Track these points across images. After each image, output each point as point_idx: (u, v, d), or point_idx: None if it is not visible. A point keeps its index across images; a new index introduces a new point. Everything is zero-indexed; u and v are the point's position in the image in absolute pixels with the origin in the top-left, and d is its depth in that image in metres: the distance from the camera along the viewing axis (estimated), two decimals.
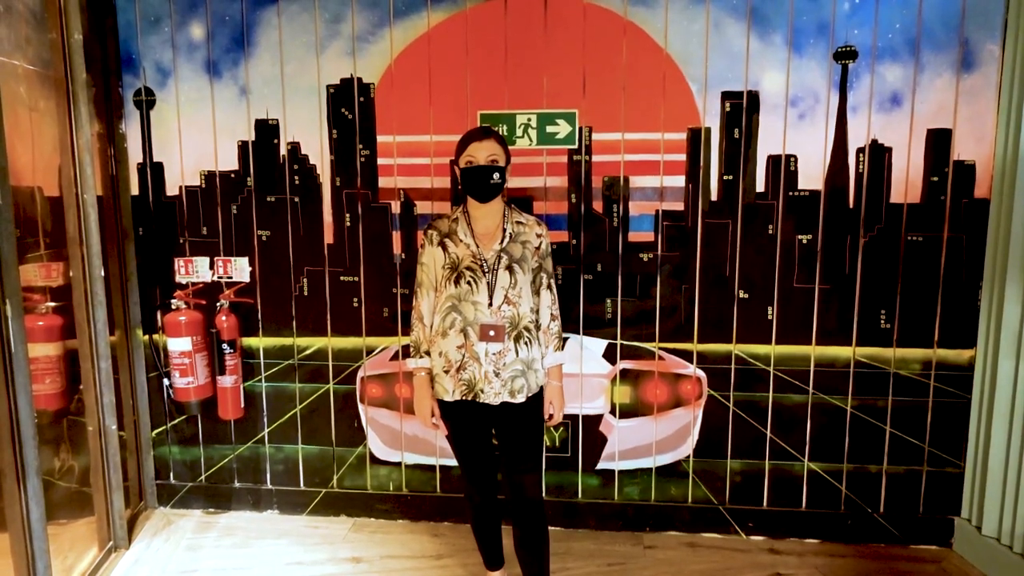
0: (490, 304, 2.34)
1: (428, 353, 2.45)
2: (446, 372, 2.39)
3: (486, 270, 2.35)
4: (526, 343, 2.38)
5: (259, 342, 3.31)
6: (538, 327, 2.45)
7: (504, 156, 2.37)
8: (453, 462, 3.27)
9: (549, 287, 2.49)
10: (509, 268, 2.37)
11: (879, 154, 2.88)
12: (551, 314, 2.49)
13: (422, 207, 3.15)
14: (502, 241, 2.39)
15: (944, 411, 3.02)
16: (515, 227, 2.44)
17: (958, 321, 2.95)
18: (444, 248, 2.40)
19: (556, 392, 2.51)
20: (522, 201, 3.07)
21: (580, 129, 3.00)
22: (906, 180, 2.88)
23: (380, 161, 3.13)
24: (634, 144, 2.98)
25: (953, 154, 2.85)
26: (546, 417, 2.51)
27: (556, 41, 2.96)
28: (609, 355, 3.16)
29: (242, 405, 3.30)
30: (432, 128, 3.08)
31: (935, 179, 2.87)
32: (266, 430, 3.38)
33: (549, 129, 3.01)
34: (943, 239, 2.91)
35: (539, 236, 2.46)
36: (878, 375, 3.03)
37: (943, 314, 2.96)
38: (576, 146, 3.02)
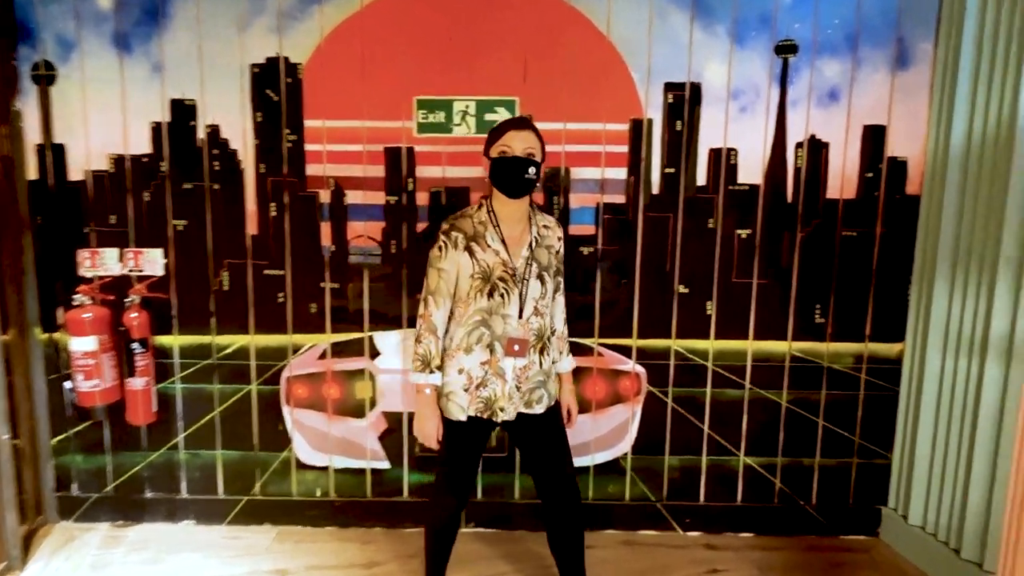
0: (520, 316, 2.19)
1: (439, 368, 2.24)
2: (464, 390, 2.23)
3: (517, 280, 2.18)
4: (546, 353, 2.28)
5: (174, 340, 3.07)
6: (554, 333, 2.34)
7: (541, 151, 2.19)
8: (384, 465, 3.14)
9: (561, 291, 2.37)
10: (540, 277, 2.21)
11: (817, 149, 2.90)
12: (564, 318, 2.39)
13: (353, 196, 2.98)
14: (530, 246, 2.22)
15: (874, 404, 3.08)
16: (541, 231, 2.28)
17: (889, 315, 3.02)
18: (471, 253, 2.18)
19: (573, 395, 2.44)
20: (460, 191, 2.96)
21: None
22: (842, 175, 2.91)
23: (308, 147, 2.95)
24: (575, 134, 2.91)
25: (887, 150, 2.90)
26: (567, 421, 2.41)
27: (497, 25, 2.85)
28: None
29: (154, 409, 3.05)
30: (365, 113, 2.91)
31: (870, 175, 2.91)
32: (181, 435, 3.14)
33: (488, 117, 2.90)
34: (876, 235, 2.96)
35: (559, 239, 2.33)
36: (812, 369, 3.06)
37: (875, 309, 3.01)
38: None
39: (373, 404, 3.12)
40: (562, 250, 2.34)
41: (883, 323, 3.02)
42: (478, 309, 2.18)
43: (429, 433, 2.25)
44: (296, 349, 3.09)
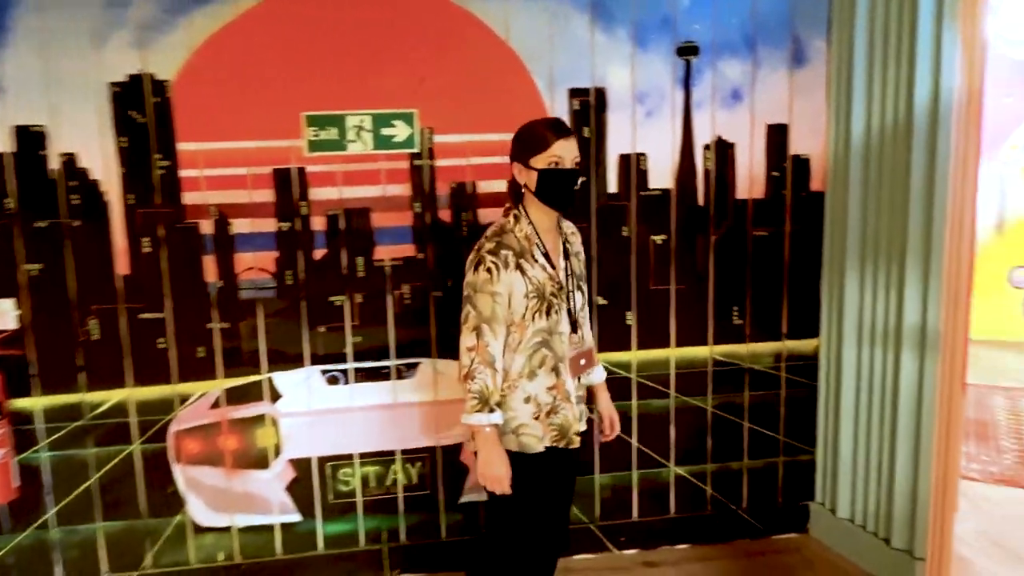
0: (573, 331, 2.07)
1: (499, 405, 2.00)
2: (535, 418, 2.04)
3: (564, 295, 2.04)
4: None
5: (34, 403, 2.66)
6: None
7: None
8: (294, 518, 2.85)
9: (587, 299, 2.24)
10: (579, 288, 2.10)
11: (723, 150, 2.89)
12: (589, 326, 2.24)
13: (239, 225, 2.70)
14: (565, 257, 2.09)
15: (795, 401, 3.10)
16: (569, 238, 2.15)
17: (803, 312, 3.04)
18: (522, 271, 1.98)
19: (611, 403, 2.31)
20: (360, 213, 2.74)
21: (421, 131, 2.72)
22: (749, 175, 2.91)
23: (183, 173, 2.64)
24: (481, 146, 2.75)
25: (791, 149, 2.92)
26: (608, 433, 2.29)
27: (389, 31, 2.66)
28: None
29: (15, 484, 2.63)
30: (247, 133, 2.64)
31: (776, 174, 2.93)
32: (52, 511, 2.72)
33: (385, 131, 2.70)
34: (786, 233, 2.97)
35: (581, 244, 2.21)
36: (734, 372, 3.04)
37: (790, 306, 3.03)
38: (417, 150, 2.73)
39: (278, 452, 2.83)
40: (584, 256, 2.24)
41: (798, 320, 3.04)
42: (538, 330, 2.01)
43: (501, 475, 1.99)
44: (184, 399, 2.76)
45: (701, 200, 2.91)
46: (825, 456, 3.08)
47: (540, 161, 1.97)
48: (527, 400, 2.04)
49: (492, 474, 2.00)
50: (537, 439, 2.05)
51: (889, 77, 2.59)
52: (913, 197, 2.52)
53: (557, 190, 1.99)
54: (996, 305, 6.46)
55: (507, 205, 2.09)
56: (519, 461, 2.03)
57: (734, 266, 2.97)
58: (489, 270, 1.96)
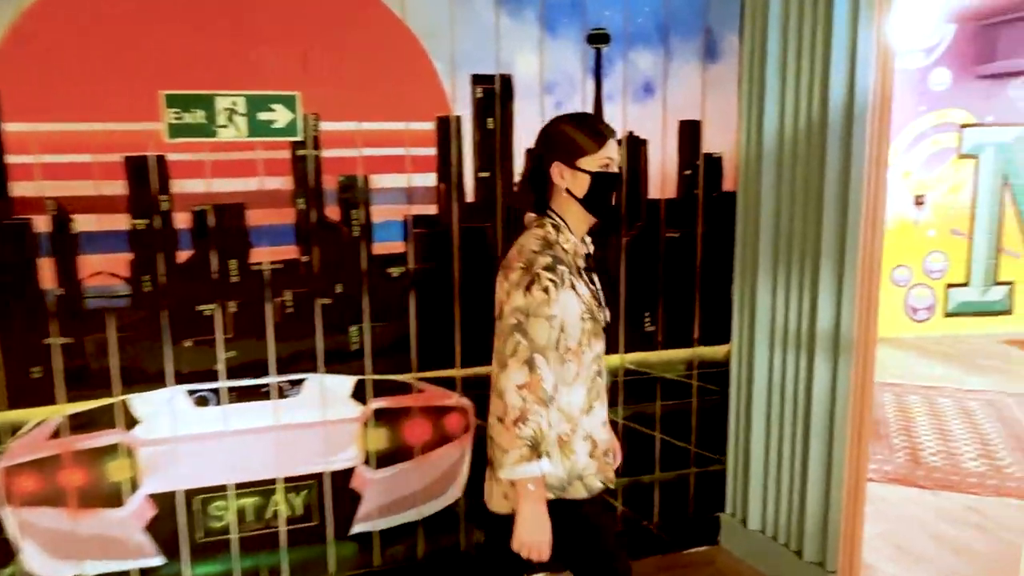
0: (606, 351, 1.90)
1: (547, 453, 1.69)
2: (590, 456, 1.80)
3: (601, 312, 1.83)
4: None
5: None
6: None
7: None
8: (155, 562, 2.49)
9: None
10: (608, 303, 1.89)
11: (636, 146, 2.75)
12: None
13: (84, 222, 2.30)
14: (593, 270, 1.89)
15: (707, 410, 3.01)
16: (588, 248, 1.91)
17: (715, 317, 2.95)
18: (575, 290, 1.73)
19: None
20: (231, 209, 2.40)
21: (304, 117, 2.41)
22: (661, 174, 2.78)
23: (10, 159, 2.21)
24: (374, 136, 2.48)
25: (703, 146, 2.81)
26: (612, 461, 1.99)
27: (270, 4, 2.35)
28: (359, 394, 2.61)
29: None
30: (93, 113, 2.25)
31: (688, 172, 2.82)
32: None
33: (262, 116, 2.37)
34: (698, 234, 2.87)
35: None
36: (646, 381, 2.92)
37: (702, 311, 2.93)
38: (300, 138, 2.42)
39: (135, 486, 2.45)
40: None
41: (710, 325, 2.95)
42: (595, 356, 1.80)
43: (543, 541, 1.67)
44: (15, 429, 2.33)
45: (613, 199, 2.74)
46: (736, 466, 3.01)
47: (591, 163, 1.74)
48: (585, 439, 1.80)
49: (536, 540, 1.67)
50: (594, 476, 1.82)
51: (803, 75, 2.52)
52: (828, 198, 2.45)
53: (607, 196, 1.80)
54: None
55: (532, 214, 1.84)
56: (586, 507, 1.80)
57: (646, 269, 2.84)
58: (547, 289, 1.66)
